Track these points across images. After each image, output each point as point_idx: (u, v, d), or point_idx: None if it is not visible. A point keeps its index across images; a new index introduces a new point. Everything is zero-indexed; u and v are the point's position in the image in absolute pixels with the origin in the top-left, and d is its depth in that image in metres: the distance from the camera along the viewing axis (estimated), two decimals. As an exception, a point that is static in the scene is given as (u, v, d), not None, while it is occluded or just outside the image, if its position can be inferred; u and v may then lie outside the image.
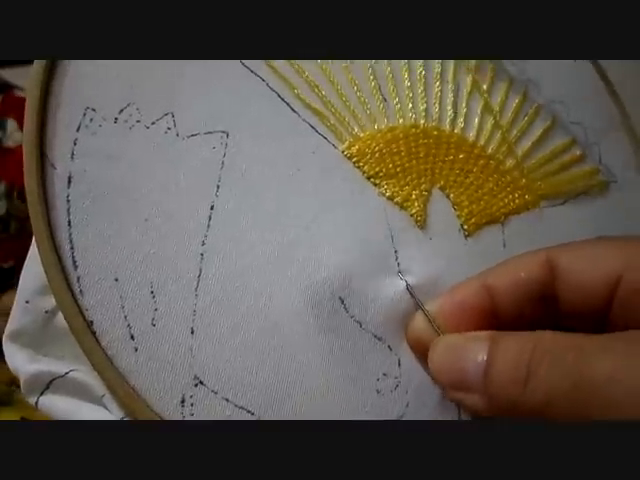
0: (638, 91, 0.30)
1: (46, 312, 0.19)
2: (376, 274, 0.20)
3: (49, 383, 0.18)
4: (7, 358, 0.18)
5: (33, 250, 0.19)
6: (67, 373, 0.18)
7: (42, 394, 0.18)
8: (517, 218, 0.24)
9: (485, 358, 0.17)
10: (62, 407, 0.18)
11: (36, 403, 0.18)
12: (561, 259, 0.19)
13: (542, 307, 0.19)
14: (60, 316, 0.19)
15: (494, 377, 0.17)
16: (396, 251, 0.20)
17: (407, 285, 0.20)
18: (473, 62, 0.26)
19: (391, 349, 0.20)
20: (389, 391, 0.20)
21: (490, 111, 0.25)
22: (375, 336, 0.20)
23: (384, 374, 0.20)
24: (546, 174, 0.26)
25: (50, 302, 0.19)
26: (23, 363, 0.18)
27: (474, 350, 0.18)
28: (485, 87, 0.25)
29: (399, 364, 0.20)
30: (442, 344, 0.19)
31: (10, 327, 0.19)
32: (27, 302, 0.19)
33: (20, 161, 0.39)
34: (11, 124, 0.43)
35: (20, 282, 0.19)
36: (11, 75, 0.48)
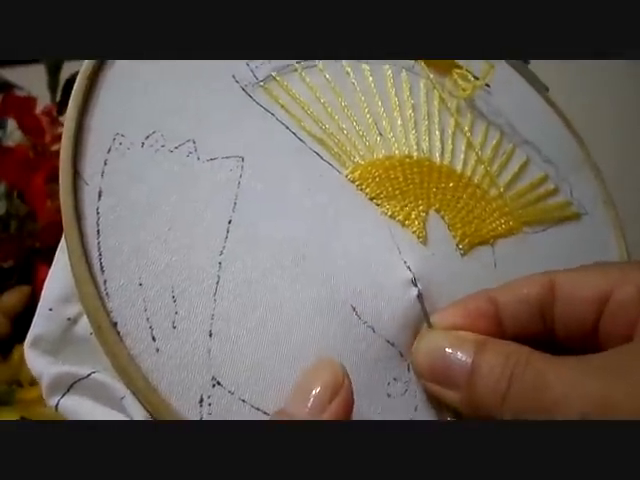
0: (599, 132, 0.34)
1: (68, 319, 0.19)
2: (388, 283, 0.21)
3: (71, 386, 0.18)
4: (29, 364, 0.19)
5: (58, 259, 0.20)
6: (89, 375, 0.18)
7: (63, 396, 0.18)
8: (504, 241, 0.26)
9: (470, 362, 0.19)
10: (81, 409, 0.18)
11: (56, 406, 0.18)
12: (558, 278, 0.20)
13: (541, 325, 0.21)
14: (81, 324, 0.19)
15: (477, 382, 0.18)
16: (405, 261, 0.22)
17: (419, 292, 0.21)
18: (455, 105, 0.29)
19: (402, 355, 0.21)
20: (399, 395, 0.20)
21: (472, 148, 0.28)
22: (388, 341, 0.21)
23: (394, 378, 0.21)
24: (526, 204, 0.28)
25: (73, 310, 0.19)
26: (46, 365, 0.18)
27: (460, 351, 0.19)
28: (467, 128, 0.28)
29: (409, 369, 0.21)
30: (429, 340, 0.20)
31: (32, 333, 0.19)
32: (50, 309, 0.19)
33: (20, 161, 0.39)
34: (11, 124, 0.43)
35: (44, 290, 0.20)
36: (11, 75, 0.48)
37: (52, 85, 0.48)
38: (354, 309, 0.21)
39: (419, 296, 0.21)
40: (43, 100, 0.46)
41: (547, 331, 0.21)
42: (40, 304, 0.19)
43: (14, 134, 0.44)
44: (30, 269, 0.40)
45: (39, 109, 0.44)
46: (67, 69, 0.48)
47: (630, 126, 0.60)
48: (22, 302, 0.39)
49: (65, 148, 0.19)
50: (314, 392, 0.17)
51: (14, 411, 0.34)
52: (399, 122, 0.27)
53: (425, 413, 0.20)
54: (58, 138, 0.41)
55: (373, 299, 0.21)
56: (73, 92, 0.21)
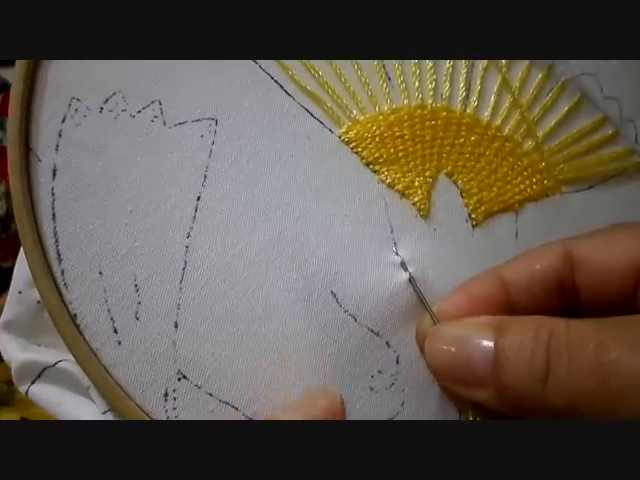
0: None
1: (38, 302, 0.19)
2: (373, 267, 0.19)
3: (40, 372, 0.18)
4: (1, 347, 0.19)
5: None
6: (57, 363, 0.18)
7: (33, 383, 0.18)
8: (534, 206, 0.22)
9: (492, 346, 0.16)
10: (51, 396, 0.18)
11: (26, 392, 0.18)
12: (579, 249, 0.18)
13: (560, 299, 0.18)
14: (52, 307, 0.19)
15: (505, 367, 0.15)
16: (395, 243, 0.19)
17: (410, 277, 0.19)
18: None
19: (389, 345, 0.19)
20: (384, 389, 0.19)
21: (509, 88, 0.23)
22: (372, 331, 0.19)
23: (379, 371, 0.19)
24: (571, 156, 0.23)
25: (41, 293, 0.19)
26: (15, 351, 0.19)
27: (479, 338, 0.16)
28: (504, 62, 0.23)
29: (397, 361, 0.19)
30: (441, 333, 0.17)
31: (4, 317, 0.19)
32: (20, 292, 0.19)
33: None
34: None
35: (14, 273, 0.19)
36: (11, 74, 0.49)
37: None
38: (334, 296, 0.19)
39: (410, 280, 0.19)
40: None
41: (566, 305, 0.18)
42: (11, 288, 0.19)
43: None
44: None
45: None
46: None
47: None
48: None
49: (13, 118, 0.18)
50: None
51: (14, 411, 0.35)
52: (414, 61, 0.22)
53: (413, 410, 0.19)
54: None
55: (355, 285, 0.19)
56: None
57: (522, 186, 0.22)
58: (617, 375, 0.14)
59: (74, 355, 0.17)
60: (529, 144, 0.23)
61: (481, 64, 0.23)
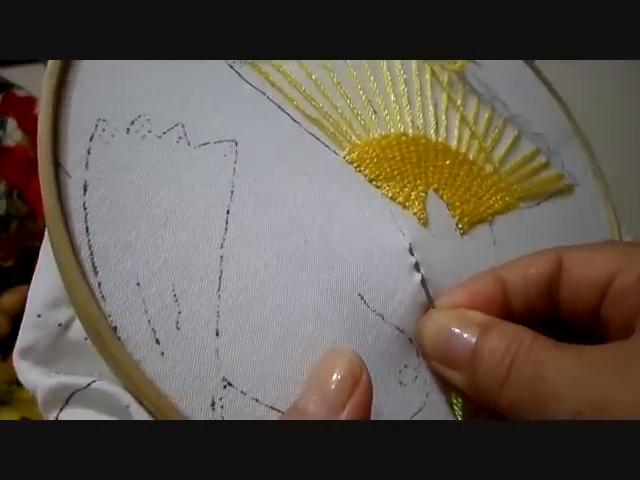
0: (585, 105, 0.34)
1: (59, 325, 0.18)
2: (393, 269, 0.21)
3: (69, 397, 0.17)
4: (20, 377, 0.17)
5: (42, 262, 0.19)
6: (89, 385, 0.17)
7: (62, 410, 0.17)
8: (501, 218, 0.26)
9: (473, 343, 0.18)
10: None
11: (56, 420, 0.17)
12: (566, 257, 0.20)
13: (550, 303, 0.20)
14: (73, 329, 0.18)
15: (479, 365, 0.18)
16: (409, 245, 0.21)
17: (422, 278, 0.21)
18: (446, 79, 0.28)
19: (411, 341, 0.20)
20: (411, 382, 0.20)
21: (466, 123, 0.27)
22: (397, 328, 0.20)
23: (405, 365, 0.20)
24: (520, 178, 0.28)
25: (64, 314, 0.18)
26: (40, 377, 0.17)
27: (465, 332, 0.18)
28: (459, 102, 0.28)
29: (417, 354, 0.20)
30: (434, 319, 0.20)
31: (21, 343, 0.17)
32: (39, 316, 0.18)
33: (20, 161, 0.38)
34: (11, 123, 0.42)
35: (30, 296, 0.18)
36: (11, 75, 0.47)
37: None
38: (362, 297, 0.20)
39: (422, 281, 0.21)
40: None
41: (554, 310, 0.20)
42: (27, 311, 0.18)
43: (14, 134, 0.43)
44: (30, 269, 0.39)
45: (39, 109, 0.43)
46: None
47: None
48: (22, 302, 0.37)
49: (43, 136, 0.18)
50: (331, 387, 0.16)
51: (14, 411, 0.33)
52: (392, 98, 0.26)
53: (436, 399, 0.20)
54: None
55: (380, 286, 0.20)
56: (46, 73, 0.19)
57: (490, 202, 0.26)
58: (542, 391, 0.16)
59: (117, 369, 0.16)
60: (489, 168, 0.27)
61: (443, 103, 0.27)
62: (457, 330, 0.19)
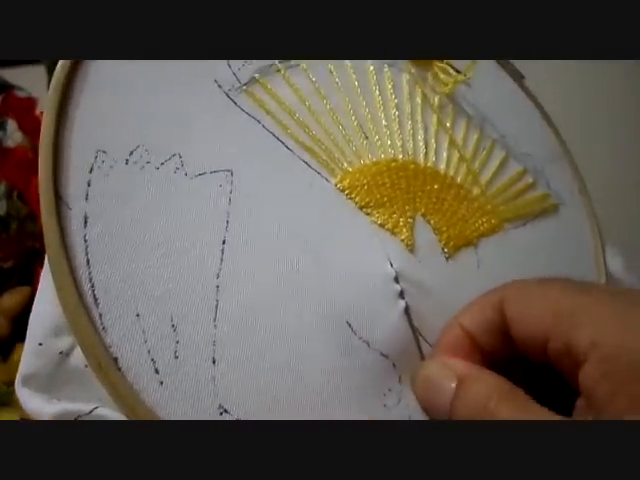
0: (573, 123, 0.35)
1: (60, 353, 0.18)
2: (379, 297, 0.21)
3: (72, 424, 0.18)
4: (23, 404, 0.18)
5: (42, 289, 0.19)
6: (92, 410, 0.18)
7: (66, 436, 0.18)
8: (486, 240, 0.27)
9: (453, 389, 0.19)
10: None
11: (60, 446, 0.18)
12: (508, 296, 0.20)
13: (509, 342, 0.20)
14: (74, 357, 0.19)
15: (457, 410, 0.19)
16: (395, 273, 0.22)
17: (406, 305, 0.22)
18: (437, 101, 0.29)
19: (395, 366, 0.21)
20: (394, 405, 0.21)
21: (455, 146, 0.28)
22: (382, 354, 0.21)
23: (389, 389, 0.21)
24: (507, 199, 0.29)
25: (65, 342, 0.19)
26: (42, 404, 0.18)
27: (445, 385, 0.19)
28: (449, 124, 0.28)
29: (400, 380, 0.21)
30: (420, 374, 0.20)
31: (23, 371, 0.18)
32: (40, 344, 0.18)
33: (20, 162, 0.38)
34: (11, 124, 0.42)
35: (30, 324, 0.19)
36: (11, 75, 0.47)
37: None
38: (349, 325, 0.21)
39: (406, 308, 0.22)
40: (43, 101, 0.45)
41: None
42: (27, 340, 0.18)
43: (14, 135, 0.43)
44: (30, 270, 0.40)
45: (39, 110, 0.43)
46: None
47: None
48: (22, 303, 0.38)
49: (43, 168, 0.18)
50: None
51: (14, 412, 0.33)
52: (384, 123, 0.26)
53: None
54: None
55: (366, 313, 0.21)
56: (47, 105, 0.20)
57: (476, 224, 0.27)
58: None
59: (120, 399, 0.17)
60: (476, 190, 0.28)
61: (433, 126, 0.28)
62: (438, 381, 0.19)
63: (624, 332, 0.16)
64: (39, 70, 0.46)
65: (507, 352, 0.20)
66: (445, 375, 0.19)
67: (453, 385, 0.19)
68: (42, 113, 0.42)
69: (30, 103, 0.43)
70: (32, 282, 0.39)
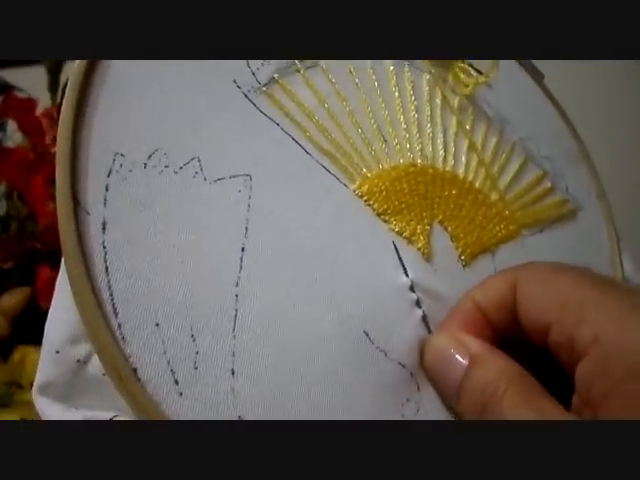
0: (593, 126, 0.34)
1: (78, 361, 0.18)
2: (395, 306, 0.21)
3: (90, 433, 0.18)
4: (40, 412, 0.18)
5: (58, 298, 0.19)
6: (112, 419, 0.18)
7: (84, 445, 0.18)
8: (504, 247, 0.27)
9: (465, 365, 0.19)
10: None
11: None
12: (520, 286, 0.20)
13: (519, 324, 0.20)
14: (91, 365, 0.19)
15: (466, 387, 0.19)
16: (411, 282, 0.22)
17: (423, 314, 0.21)
18: (457, 103, 0.28)
19: (412, 375, 0.21)
20: (412, 415, 0.21)
21: (474, 149, 0.27)
22: (400, 363, 0.21)
23: (407, 399, 0.21)
24: (524, 205, 0.28)
25: (82, 350, 0.18)
26: (60, 413, 0.18)
27: (457, 361, 0.20)
28: (468, 127, 0.28)
29: (418, 389, 0.21)
30: (433, 345, 0.21)
31: (40, 379, 0.18)
32: (57, 352, 0.18)
33: (20, 162, 0.38)
34: (11, 125, 0.43)
35: (46, 332, 0.19)
36: (11, 76, 0.47)
37: (52, 86, 0.46)
38: (367, 334, 0.21)
39: (423, 317, 0.22)
40: (43, 102, 0.45)
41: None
42: (44, 347, 0.18)
43: (14, 135, 0.43)
44: (30, 270, 0.39)
45: (39, 111, 0.43)
46: (68, 70, 0.45)
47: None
48: (22, 303, 0.38)
49: (61, 172, 0.18)
50: None
51: (14, 413, 0.34)
52: (403, 126, 0.26)
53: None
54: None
55: (383, 322, 0.21)
56: (64, 107, 0.19)
57: (494, 231, 0.26)
58: None
59: (139, 410, 0.17)
60: (495, 195, 0.27)
61: (452, 129, 0.27)
62: (450, 357, 0.20)
63: (627, 331, 0.17)
64: (39, 71, 0.46)
65: (517, 332, 0.20)
66: (459, 351, 0.19)
67: (465, 362, 0.19)
68: (42, 114, 0.42)
69: (30, 104, 0.43)
70: (32, 282, 0.39)
